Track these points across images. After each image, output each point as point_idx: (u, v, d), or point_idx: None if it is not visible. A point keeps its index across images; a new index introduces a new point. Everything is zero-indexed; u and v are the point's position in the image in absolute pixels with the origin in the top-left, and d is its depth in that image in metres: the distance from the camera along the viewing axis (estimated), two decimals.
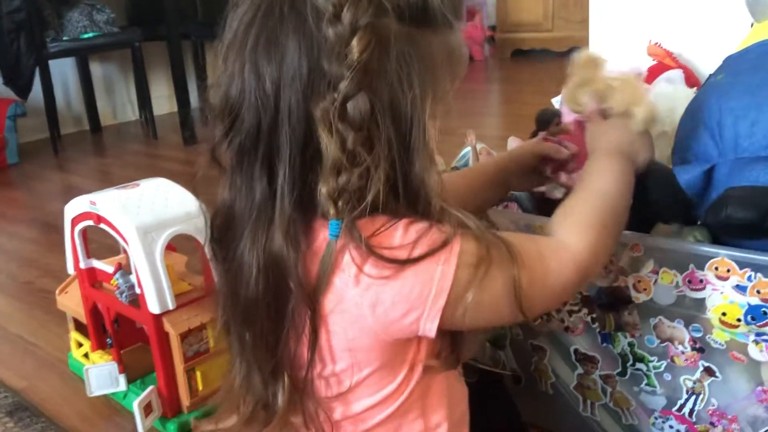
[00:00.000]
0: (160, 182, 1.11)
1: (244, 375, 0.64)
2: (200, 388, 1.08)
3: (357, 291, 0.57)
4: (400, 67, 0.57)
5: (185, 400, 1.07)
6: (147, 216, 1.02)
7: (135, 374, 1.15)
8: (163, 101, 3.55)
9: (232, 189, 0.61)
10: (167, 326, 1.03)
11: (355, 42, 0.54)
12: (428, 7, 0.58)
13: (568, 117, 0.90)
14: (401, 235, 0.57)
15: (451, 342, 0.64)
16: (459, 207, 0.60)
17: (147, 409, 1.05)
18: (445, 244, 0.57)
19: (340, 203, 0.56)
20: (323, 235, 0.58)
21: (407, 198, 0.58)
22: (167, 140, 3.14)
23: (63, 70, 3.29)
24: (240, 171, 0.60)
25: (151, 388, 1.06)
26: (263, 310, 0.60)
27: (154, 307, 1.01)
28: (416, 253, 0.57)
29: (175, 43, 2.93)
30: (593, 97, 0.81)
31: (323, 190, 0.56)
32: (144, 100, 3.29)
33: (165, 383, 1.06)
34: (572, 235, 0.66)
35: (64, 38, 2.84)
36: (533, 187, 0.93)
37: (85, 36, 2.89)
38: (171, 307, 1.02)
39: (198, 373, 1.07)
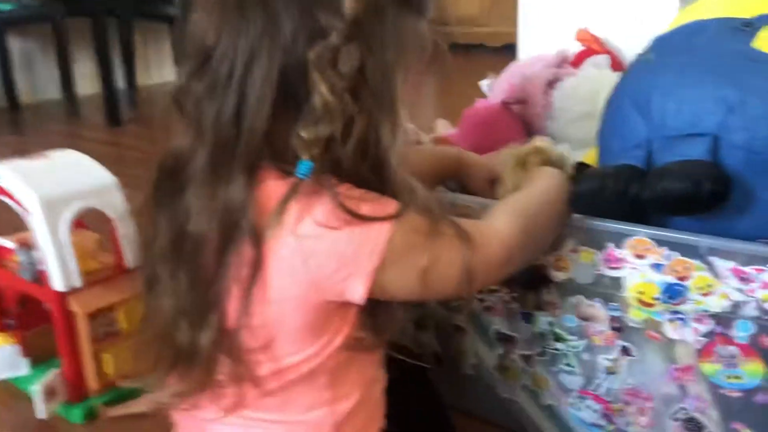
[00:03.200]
0: (69, 154, 1.05)
1: (170, 321, 0.62)
2: (109, 372, 1.02)
3: (296, 240, 0.57)
4: (386, 32, 0.59)
5: (93, 385, 1.02)
6: (53, 187, 0.96)
7: (40, 357, 1.09)
8: (88, 80, 3.40)
9: (190, 131, 0.60)
10: (73, 305, 0.97)
11: None
12: None
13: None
14: (359, 193, 0.59)
15: (374, 322, 0.64)
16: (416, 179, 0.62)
17: (50, 393, 0.99)
18: (391, 210, 0.59)
19: (316, 150, 0.57)
20: (271, 181, 0.59)
21: (373, 160, 0.60)
22: (91, 120, 3.01)
23: None
24: (202, 113, 0.59)
25: (54, 371, 1.00)
26: (208, 250, 0.60)
27: (58, 284, 0.95)
28: (364, 210, 0.58)
29: (100, 20, 2.81)
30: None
31: (303, 134, 0.57)
32: (66, 79, 3.15)
33: (70, 366, 1.00)
34: (502, 221, 0.69)
35: None
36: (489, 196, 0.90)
37: (1, 8, 2.74)
38: (77, 285, 0.96)
39: (107, 357, 1.02)
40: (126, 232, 1.02)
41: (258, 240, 0.58)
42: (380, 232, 0.58)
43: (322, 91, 0.56)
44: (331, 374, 0.65)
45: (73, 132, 2.89)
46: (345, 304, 0.61)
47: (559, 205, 0.77)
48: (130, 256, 1.02)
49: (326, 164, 0.58)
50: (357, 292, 0.59)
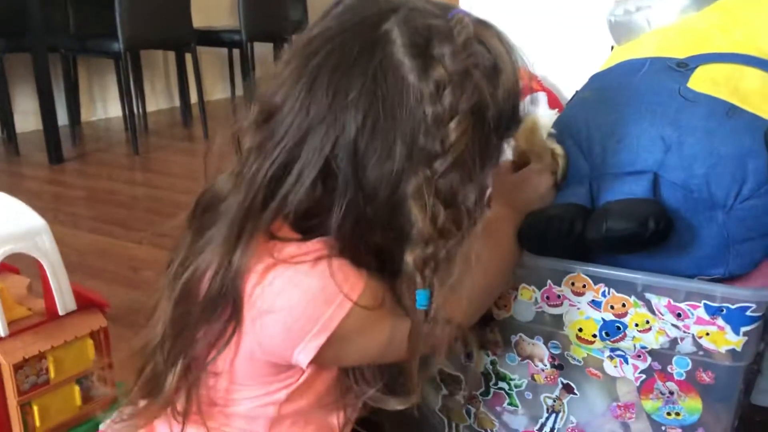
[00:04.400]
0: None
1: (157, 343, 0.64)
2: (38, 424, 0.97)
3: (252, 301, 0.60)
4: (479, 158, 0.60)
5: None
6: None
7: None
8: (28, 117, 3.32)
9: (234, 177, 0.61)
10: None
11: (453, 125, 0.56)
12: (511, 118, 0.63)
13: None
14: (336, 265, 0.60)
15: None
16: None
17: None
18: (356, 294, 0.60)
19: (428, 272, 0.59)
20: (261, 246, 0.60)
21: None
22: (31, 158, 2.94)
23: None
24: (253, 163, 0.60)
25: None
26: (201, 301, 0.61)
27: None
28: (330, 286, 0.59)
29: (40, 56, 2.75)
30: (514, 154, 0.83)
31: (409, 259, 0.58)
32: (6, 115, 3.07)
33: None
34: (457, 304, 0.66)
35: None
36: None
37: None
38: (2, 334, 0.91)
39: (35, 408, 0.97)
40: (57, 276, 0.97)
41: (241, 303, 0.59)
42: (335, 313, 0.59)
43: (422, 219, 0.57)
44: (271, 421, 0.67)
45: (12, 170, 2.81)
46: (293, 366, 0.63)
47: (515, 248, 0.75)
48: (61, 301, 0.98)
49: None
50: (301, 361, 0.61)
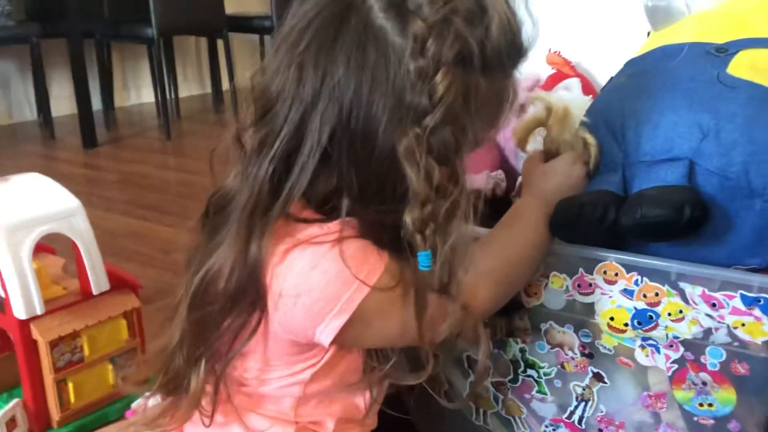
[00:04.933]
0: (32, 177, 1.03)
1: (176, 345, 0.65)
2: (72, 401, 0.99)
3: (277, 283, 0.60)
4: (478, 104, 0.58)
5: (55, 414, 0.99)
6: (14, 213, 0.94)
7: (2, 386, 1.06)
8: (64, 102, 3.38)
9: (240, 177, 0.61)
10: (35, 333, 0.95)
11: (439, 77, 0.54)
12: (511, 53, 0.60)
13: None
14: (355, 247, 0.60)
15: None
16: None
17: (11, 424, 0.96)
18: (375, 275, 0.60)
19: (428, 231, 0.57)
20: (278, 231, 0.60)
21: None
22: (66, 142, 2.99)
23: None
24: (255, 162, 0.60)
25: (15, 401, 0.97)
26: (221, 300, 0.61)
27: (19, 311, 0.92)
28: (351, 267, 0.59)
29: (75, 41, 2.79)
30: (546, 143, 0.82)
31: (408, 219, 0.57)
32: (42, 99, 3.13)
33: (32, 396, 0.97)
34: (480, 289, 0.67)
35: None
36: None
37: None
38: (39, 312, 0.94)
39: (70, 385, 0.99)
40: (91, 256, 0.99)
41: (264, 292, 0.60)
42: (354, 295, 0.59)
43: (416, 179, 0.56)
44: (297, 400, 0.68)
45: (48, 154, 2.87)
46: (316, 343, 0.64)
47: (542, 237, 0.74)
48: (95, 281, 1.00)
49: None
50: (323, 340, 0.62)
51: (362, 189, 0.60)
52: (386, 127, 0.56)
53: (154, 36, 2.88)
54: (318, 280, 0.59)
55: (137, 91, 3.89)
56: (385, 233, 0.61)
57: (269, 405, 0.69)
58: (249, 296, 0.60)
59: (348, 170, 0.59)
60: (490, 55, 0.57)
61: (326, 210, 0.61)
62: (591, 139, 0.80)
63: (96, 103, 3.08)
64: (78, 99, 2.84)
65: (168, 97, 3.38)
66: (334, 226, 0.60)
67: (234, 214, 0.61)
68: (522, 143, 0.86)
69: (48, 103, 3.07)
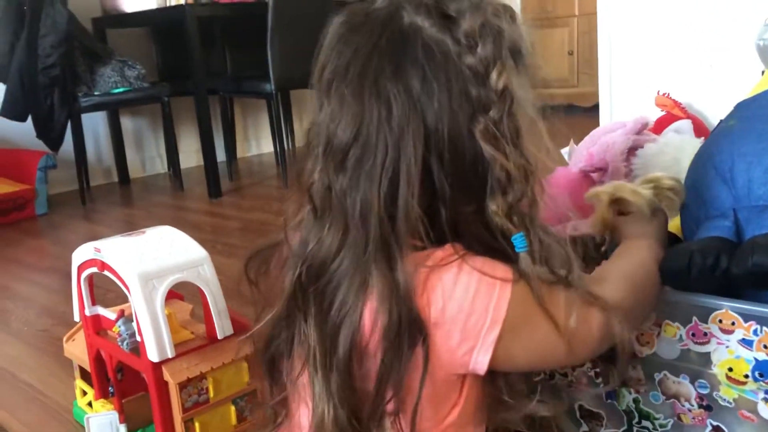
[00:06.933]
0: (165, 230, 1.12)
1: (332, 419, 0.62)
2: None
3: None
4: (523, 92, 0.62)
5: None
6: (149, 263, 1.02)
7: (136, 424, 1.14)
8: (191, 155, 3.62)
9: (327, 228, 0.62)
10: (166, 375, 1.02)
11: (494, 71, 0.60)
12: (523, 36, 0.64)
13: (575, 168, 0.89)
14: (480, 261, 0.62)
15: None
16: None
17: None
18: (509, 278, 0.61)
19: (516, 218, 0.60)
20: (409, 258, 0.60)
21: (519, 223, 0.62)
22: (193, 192, 3.19)
23: (94, 124, 3.39)
24: (343, 208, 0.61)
25: None
26: (376, 348, 0.60)
27: (153, 355, 1.00)
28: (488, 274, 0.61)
29: (202, 98, 2.99)
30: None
31: (494, 207, 0.60)
32: (172, 153, 3.36)
33: None
34: (607, 291, 0.67)
35: (96, 93, 2.93)
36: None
37: (116, 91, 2.98)
38: (170, 355, 1.01)
39: (197, 424, 1.05)
40: (216, 303, 1.06)
41: (423, 326, 0.59)
42: (500, 299, 0.60)
43: (502, 162, 0.59)
44: None
45: (177, 204, 3.06)
46: (463, 378, 0.63)
47: (655, 277, 0.74)
48: (220, 327, 1.06)
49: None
50: (480, 362, 0.61)
51: (454, 196, 0.62)
52: (463, 123, 0.60)
53: (273, 91, 3.04)
54: (464, 297, 0.60)
55: (257, 142, 4.09)
56: (485, 246, 0.63)
57: None
58: (406, 332, 0.59)
59: (440, 177, 0.61)
60: (518, 40, 0.63)
61: (434, 237, 0.62)
62: (667, 182, 0.81)
63: (220, 155, 3.27)
64: (204, 152, 3.02)
65: (286, 147, 3.54)
66: (449, 247, 0.62)
67: (349, 262, 0.61)
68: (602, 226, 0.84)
69: (177, 157, 3.29)
